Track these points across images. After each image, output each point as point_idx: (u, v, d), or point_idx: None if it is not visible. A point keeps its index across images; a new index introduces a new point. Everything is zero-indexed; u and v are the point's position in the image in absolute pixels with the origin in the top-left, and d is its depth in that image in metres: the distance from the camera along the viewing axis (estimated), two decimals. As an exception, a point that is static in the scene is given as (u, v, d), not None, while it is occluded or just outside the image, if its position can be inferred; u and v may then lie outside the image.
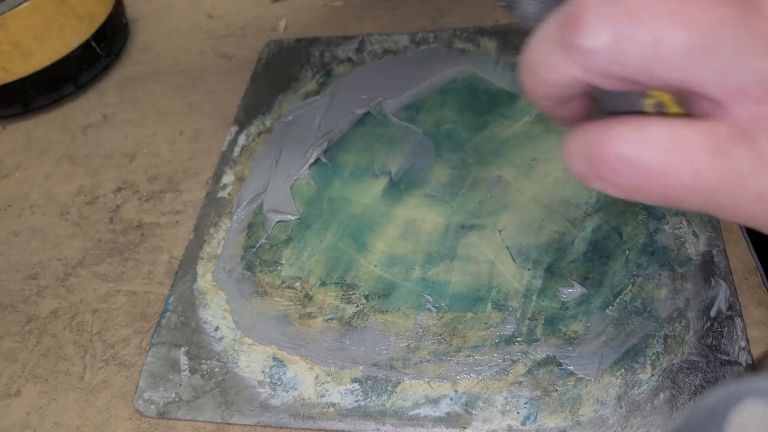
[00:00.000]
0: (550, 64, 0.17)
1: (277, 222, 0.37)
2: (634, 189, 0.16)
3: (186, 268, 0.36)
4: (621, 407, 0.28)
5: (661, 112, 0.17)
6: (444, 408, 0.29)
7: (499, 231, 0.34)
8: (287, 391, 0.31)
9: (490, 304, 0.32)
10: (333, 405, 0.30)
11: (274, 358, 0.32)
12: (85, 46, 0.47)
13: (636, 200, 0.17)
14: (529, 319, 0.31)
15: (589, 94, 0.19)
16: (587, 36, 0.16)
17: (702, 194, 0.16)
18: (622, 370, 0.29)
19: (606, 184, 0.17)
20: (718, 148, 0.15)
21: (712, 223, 0.33)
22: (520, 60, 0.18)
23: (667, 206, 0.17)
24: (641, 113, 0.17)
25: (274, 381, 0.31)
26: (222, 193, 0.40)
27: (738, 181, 0.15)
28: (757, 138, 0.15)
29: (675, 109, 0.17)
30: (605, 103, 0.19)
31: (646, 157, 0.16)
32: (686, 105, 0.17)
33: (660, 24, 0.15)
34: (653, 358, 0.29)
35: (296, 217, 0.37)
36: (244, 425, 0.30)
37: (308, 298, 0.34)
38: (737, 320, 0.30)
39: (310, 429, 0.30)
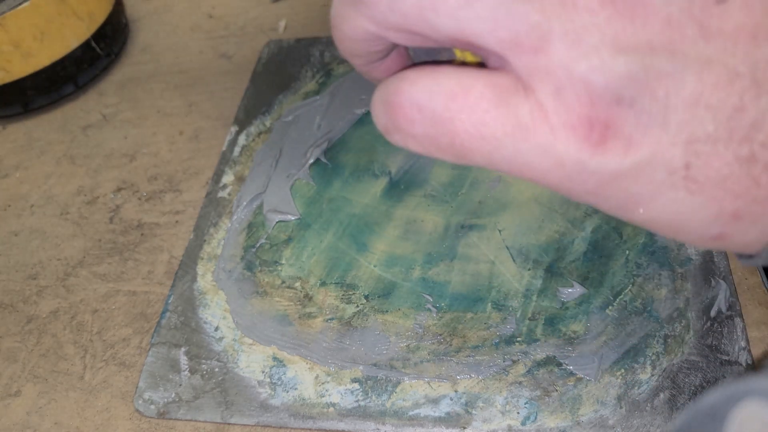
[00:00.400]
0: (345, 17, 0.17)
1: (277, 222, 0.37)
2: (426, 138, 0.17)
3: (186, 268, 0.36)
4: (621, 407, 0.28)
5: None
6: (444, 408, 0.29)
7: (499, 231, 0.34)
8: (287, 391, 0.31)
9: (490, 304, 0.32)
10: (333, 405, 0.30)
11: (274, 358, 0.32)
12: (85, 46, 0.47)
13: (432, 155, 0.17)
14: (529, 319, 0.31)
15: (402, 54, 0.20)
16: None
17: (486, 144, 0.16)
18: (622, 370, 0.29)
19: (403, 135, 0.17)
20: (500, 98, 0.15)
21: (712, 223, 0.33)
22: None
23: (460, 161, 0.17)
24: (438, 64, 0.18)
25: (274, 381, 0.31)
26: (222, 193, 0.40)
27: (520, 133, 0.16)
28: (537, 89, 0.15)
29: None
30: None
31: (434, 102, 0.16)
32: (485, 64, 0.17)
33: None
34: (653, 358, 0.29)
35: (296, 217, 0.37)
36: (244, 425, 0.30)
37: (308, 298, 0.34)
38: (737, 320, 0.30)
39: (310, 429, 0.30)
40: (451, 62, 0.18)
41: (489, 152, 0.16)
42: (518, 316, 0.31)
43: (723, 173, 0.15)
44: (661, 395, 0.28)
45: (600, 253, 0.33)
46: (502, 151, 0.16)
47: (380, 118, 0.18)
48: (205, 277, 0.36)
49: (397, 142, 0.18)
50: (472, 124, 0.16)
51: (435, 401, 0.29)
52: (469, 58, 0.18)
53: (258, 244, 0.36)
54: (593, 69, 0.15)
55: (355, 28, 0.17)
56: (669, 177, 0.16)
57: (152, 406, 0.31)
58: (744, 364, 0.28)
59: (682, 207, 0.16)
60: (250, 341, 0.33)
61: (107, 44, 0.49)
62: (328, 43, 0.48)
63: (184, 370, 0.32)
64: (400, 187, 0.37)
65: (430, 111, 0.16)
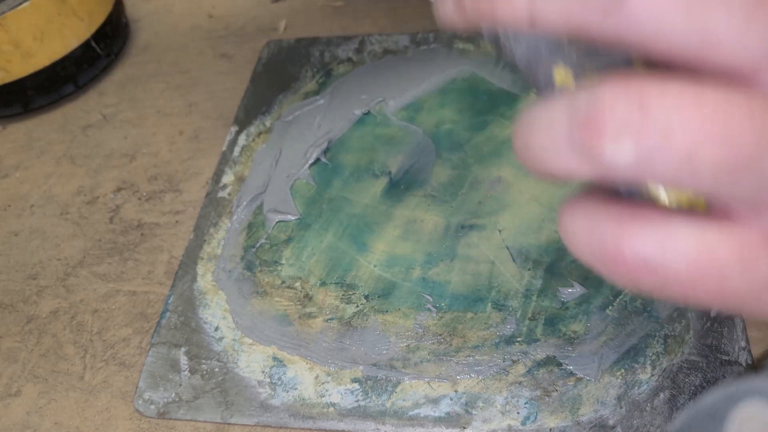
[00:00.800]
0: (558, 160, 0.15)
1: (277, 222, 0.37)
2: (653, 289, 0.15)
3: (186, 268, 0.36)
4: (621, 407, 0.28)
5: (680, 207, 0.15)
6: (444, 408, 0.29)
7: (499, 231, 0.34)
8: (287, 391, 0.31)
9: (490, 304, 0.32)
10: (333, 405, 0.30)
11: (274, 358, 0.32)
12: (85, 46, 0.47)
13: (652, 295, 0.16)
14: (529, 319, 0.31)
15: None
16: (609, 147, 0.13)
17: (728, 299, 0.14)
18: (622, 370, 0.29)
19: (620, 279, 0.15)
20: (748, 257, 0.14)
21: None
22: (517, 132, 0.16)
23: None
24: (660, 207, 0.15)
25: (274, 381, 0.31)
26: (222, 193, 0.40)
27: (766, 287, 0.14)
28: None
29: (695, 202, 0.15)
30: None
31: (671, 262, 0.14)
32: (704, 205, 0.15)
33: (694, 137, 0.13)
34: (653, 358, 0.29)
35: (296, 217, 0.37)
36: (244, 425, 0.30)
37: (308, 298, 0.34)
38: (737, 320, 0.30)
39: (310, 429, 0.30)
40: (661, 206, 0.15)
41: (731, 305, 0.15)
42: (518, 316, 0.31)
43: None
44: (661, 395, 0.28)
45: (600, 253, 0.33)
46: (746, 304, 0.15)
47: (586, 255, 0.15)
48: (205, 277, 0.36)
49: (610, 277, 0.16)
50: (716, 284, 0.14)
51: (435, 401, 0.29)
52: (684, 199, 0.15)
53: (258, 244, 0.36)
54: None
55: (569, 172, 0.15)
56: None
57: (152, 406, 0.31)
58: (744, 364, 0.28)
59: None
60: (250, 341, 0.33)
61: (107, 44, 0.49)
62: (328, 43, 0.48)
63: (184, 370, 0.32)
64: (400, 187, 0.37)
65: (663, 269, 0.14)
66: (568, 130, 0.14)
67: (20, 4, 0.43)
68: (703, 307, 0.15)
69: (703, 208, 0.15)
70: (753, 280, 0.14)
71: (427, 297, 0.33)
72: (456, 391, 0.30)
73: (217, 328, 0.34)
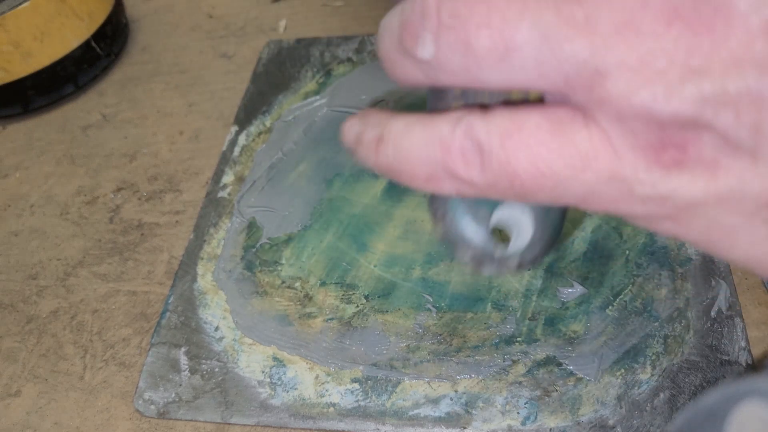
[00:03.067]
0: (396, 63, 0.17)
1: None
2: (483, 183, 0.16)
3: (186, 268, 0.36)
4: (621, 407, 0.28)
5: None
6: (444, 408, 0.29)
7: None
8: (287, 391, 0.31)
9: (490, 304, 0.32)
10: (333, 405, 0.30)
11: (274, 358, 0.32)
12: (85, 46, 0.47)
13: (490, 197, 0.17)
14: (529, 319, 0.31)
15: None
16: (421, 47, 0.16)
17: (547, 180, 0.15)
18: (622, 370, 0.29)
19: (457, 183, 0.16)
20: (556, 129, 0.15)
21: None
22: (377, 41, 0.19)
23: (524, 200, 0.17)
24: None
25: (274, 381, 0.31)
26: (222, 193, 0.40)
27: (581, 162, 0.15)
28: (597, 117, 0.14)
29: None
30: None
31: (490, 142, 0.15)
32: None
33: (467, 28, 0.15)
34: (653, 358, 0.29)
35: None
36: (244, 425, 0.30)
37: (308, 298, 0.34)
38: (737, 320, 0.30)
39: (310, 429, 0.30)
40: (511, 102, 0.17)
41: (551, 188, 0.15)
42: (518, 316, 0.31)
43: None
44: (661, 395, 0.28)
45: (600, 253, 0.33)
46: (565, 185, 0.15)
47: (424, 165, 0.17)
48: (205, 277, 0.36)
49: (448, 191, 0.17)
50: (530, 161, 0.15)
51: (435, 401, 0.29)
52: (533, 95, 0.17)
53: (258, 244, 0.36)
54: (658, 97, 0.13)
55: (406, 75, 0.17)
56: (759, 209, 0.14)
57: (152, 406, 0.31)
58: (744, 364, 0.28)
59: None
60: (250, 341, 0.33)
61: (107, 44, 0.49)
62: (328, 43, 0.48)
63: (184, 370, 0.32)
64: (400, 187, 0.37)
65: (485, 152, 0.15)
66: (397, 31, 0.17)
67: (20, 4, 0.43)
68: (540, 197, 0.16)
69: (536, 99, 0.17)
70: (567, 154, 0.15)
71: (427, 297, 0.33)
72: (456, 391, 0.30)
73: (217, 328, 0.34)
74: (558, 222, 0.21)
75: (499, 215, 0.20)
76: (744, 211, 0.14)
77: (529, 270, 0.32)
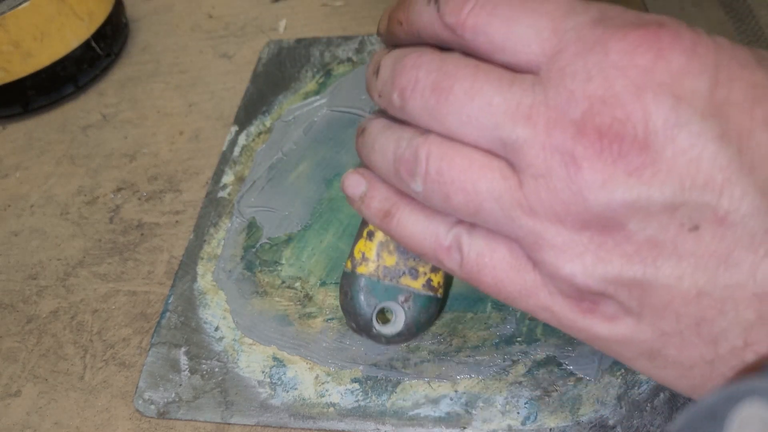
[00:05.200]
0: (389, 179, 0.23)
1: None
2: (462, 276, 0.23)
3: (186, 268, 0.36)
4: (621, 407, 0.28)
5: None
6: (444, 408, 0.29)
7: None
8: (287, 391, 0.31)
9: (490, 304, 0.32)
10: (333, 405, 0.30)
11: (274, 358, 0.32)
12: (85, 46, 0.47)
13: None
14: (529, 319, 0.31)
15: None
16: (412, 182, 0.21)
17: (503, 296, 0.22)
18: (622, 370, 0.29)
19: (443, 265, 0.23)
20: (516, 267, 0.21)
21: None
22: (364, 134, 0.25)
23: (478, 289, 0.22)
24: None
25: (274, 381, 0.31)
26: (222, 193, 0.40)
27: (527, 294, 0.21)
28: (540, 270, 0.20)
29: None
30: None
31: (467, 258, 0.22)
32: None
33: (448, 189, 0.21)
34: (653, 358, 0.29)
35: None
36: (244, 425, 0.30)
37: (308, 298, 0.34)
38: (737, 320, 0.30)
39: (310, 429, 0.30)
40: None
41: (504, 299, 0.21)
42: (518, 316, 0.31)
43: (689, 362, 0.19)
44: (661, 395, 0.28)
45: (600, 253, 0.33)
46: (515, 303, 0.21)
47: (418, 247, 0.23)
48: (205, 277, 0.36)
49: (430, 263, 0.25)
50: (493, 279, 0.21)
51: (435, 401, 0.29)
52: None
53: (258, 244, 0.36)
54: (576, 273, 0.19)
55: (396, 186, 0.23)
56: (642, 351, 0.19)
57: (152, 406, 0.31)
58: (744, 364, 0.28)
59: (658, 373, 0.20)
60: (250, 341, 0.33)
61: (107, 44, 0.49)
62: (328, 43, 0.48)
63: (184, 370, 0.32)
64: (400, 187, 0.37)
65: (464, 257, 0.21)
66: (394, 164, 0.22)
67: (20, 4, 0.43)
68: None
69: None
70: (517, 284, 0.21)
71: (427, 297, 0.33)
72: (456, 391, 0.30)
73: (217, 328, 0.34)
74: (426, 321, 0.29)
75: (384, 305, 0.28)
76: (631, 350, 0.20)
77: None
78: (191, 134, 0.44)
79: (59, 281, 0.38)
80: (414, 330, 0.29)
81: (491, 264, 0.21)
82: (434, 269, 0.28)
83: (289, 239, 0.36)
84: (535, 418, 0.28)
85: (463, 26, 0.19)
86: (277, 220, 0.37)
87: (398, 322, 0.28)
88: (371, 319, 0.28)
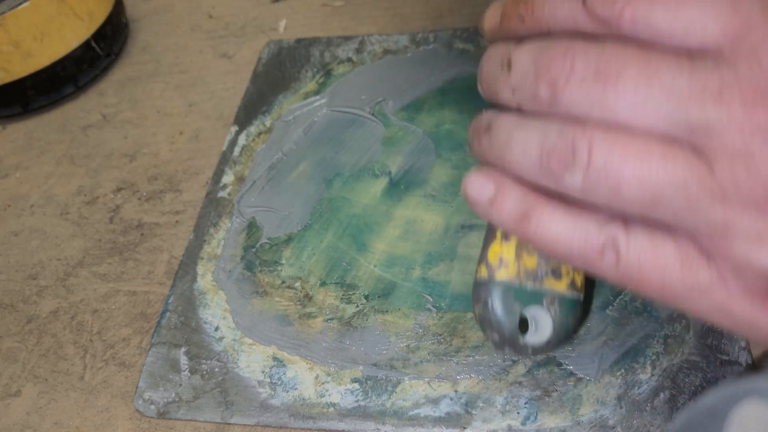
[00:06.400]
0: (530, 177, 0.21)
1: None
2: (617, 277, 0.20)
3: (186, 268, 0.36)
4: (621, 407, 0.28)
5: None
6: (444, 408, 0.29)
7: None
8: (287, 391, 0.31)
9: (490, 304, 0.32)
10: (333, 405, 0.30)
11: (274, 358, 0.32)
12: (85, 46, 0.47)
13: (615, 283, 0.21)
14: (529, 319, 0.31)
15: None
16: (569, 176, 0.19)
17: (667, 293, 0.19)
18: (622, 370, 0.29)
19: (598, 270, 0.21)
20: (684, 262, 0.18)
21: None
22: (490, 134, 0.23)
23: (639, 293, 0.21)
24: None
25: (274, 381, 0.31)
26: (222, 193, 0.40)
27: (698, 292, 0.19)
28: (719, 264, 0.18)
29: None
30: None
31: (627, 256, 0.19)
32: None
33: (621, 177, 0.18)
34: (653, 358, 0.29)
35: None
36: (244, 425, 0.30)
37: (308, 298, 0.34)
38: (737, 320, 0.30)
39: (310, 429, 0.30)
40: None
41: (667, 299, 0.19)
42: (518, 316, 0.31)
43: None
44: (661, 395, 0.28)
45: (600, 253, 0.33)
46: (681, 301, 0.19)
47: (563, 249, 0.21)
48: (205, 277, 0.36)
49: (576, 266, 0.22)
50: (658, 279, 0.19)
51: (435, 401, 0.29)
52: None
53: (258, 244, 0.36)
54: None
55: (538, 184, 0.21)
56: None
57: (152, 406, 0.31)
58: (744, 364, 0.28)
59: None
60: (250, 341, 0.33)
61: (107, 44, 0.49)
62: (328, 43, 0.48)
63: (184, 370, 0.32)
64: (400, 187, 0.37)
65: (621, 258, 0.19)
66: (542, 159, 0.20)
67: (20, 4, 0.43)
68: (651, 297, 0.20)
69: None
70: (688, 281, 0.19)
71: (427, 297, 0.33)
72: (456, 391, 0.30)
73: (217, 328, 0.34)
74: (574, 326, 0.26)
75: (530, 312, 0.25)
76: None
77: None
78: (191, 134, 0.44)
79: (59, 281, 0.38)
80: (562, 336, 0.26)
81: (657, 262, 0.19)
82: (576, 268, 0.25)
83: (289, 239, 0.36)
84: (535, 418, 0.28)
85: (620, 18, 0.18)
86: (277, 220, 0.37)
87: (545, 328, 0.25)
88: (517, 329, 0.25)
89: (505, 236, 0.25)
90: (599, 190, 0.19)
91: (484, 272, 0.26)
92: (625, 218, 0.20)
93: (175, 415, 0.31)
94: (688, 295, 0.19)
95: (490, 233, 0.26)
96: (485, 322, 0.26)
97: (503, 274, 0.25)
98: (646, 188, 0.18)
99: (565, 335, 0.26)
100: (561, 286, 0.25)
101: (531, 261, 0.25)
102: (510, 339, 0.25)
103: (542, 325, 0.25)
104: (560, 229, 0.20)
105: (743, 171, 0.17)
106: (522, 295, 0.25)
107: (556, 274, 0.25)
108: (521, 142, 0.20)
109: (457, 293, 0.32)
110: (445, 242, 0.34)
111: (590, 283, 0.30)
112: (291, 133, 0.42)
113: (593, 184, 0.19)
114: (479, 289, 0.26)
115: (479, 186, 0.23)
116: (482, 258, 0.26)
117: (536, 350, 0.26)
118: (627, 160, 0.18)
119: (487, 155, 0.23)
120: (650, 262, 0.19)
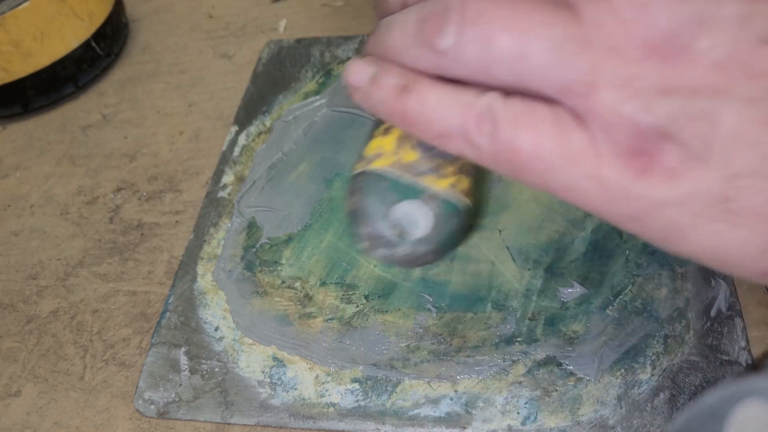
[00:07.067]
0: (408, 54, 0.20)
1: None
2: (488, 152, 0.19)
3: (186, 268, 0.36)
4: (621, 407, 0.28)
5: None
6: (444, 408, 0.29)
7: (499, 231, 0.34)
8: (287, 391, 0.31)
9: (490, 304, 0.32)
10: (333, 405, 0.30)
11: (274, 358, 0.32)
12: (85, 46, 0.47)
13: (487, 167, 0.19)
14: (529, 319, 0.31)
15: None
16: (442, 38, 0.18)
17: (541, 164, 0.18)
18: (622, 370, 0.29)
19: (466, 144, 0.19)
20: (559, 125, 0.17)
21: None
22: (374, 34, 0.22)
23: (513, 177, 0.19)
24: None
25: (274, 381, 0.31)
26: (222, 193, 0.40)
27: (571, 158, 0.17)
28: (589, 124, 0.17)
29: None
30: None
31: (502, 119, 0.18)
32: None
33: (491, 29, 0.17)
34: (653, 358, 0.29)
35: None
36: (244, 425, 0.30)
37: (308, 298, 0.34)
38: (737, 320, 0.30)
39: (310, 429, 0.30)
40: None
41: (542, 172, 0.18)
42: (518, 316, 0.31)
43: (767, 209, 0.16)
44: (661, 395, 0.28)
45: (600, 253, 0.33)
46: (554, 173, 0.18)
47: (442, 121, 0.19)
48: (205, 277, 0.36)
49: (453, 150, 0.20)
50: (532, 144, 0.18)
51: (435, 401, 0.29)
52: None
53: (258, 244, 0.36)
54: (637, 110, 0.16)
55: (415, 65, 0.20)
56: (709, 208, 0.16)
57: (152, 406, 0.31)
58: (744, 364, 0.28)
59: (725, 239, 0.17)
60: (250, 341, 0.33)
61: (107, 44, 0.49)
62: (328, 43, 0.48)
63: (184, 370, 0.32)
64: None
65: (498, 124, 0.18)
66: (418, 26, 0.19)
67: (20, 4, 0.43)
68: (526, 178, 0.19)
69: None
70: (562, 147, 0.18)
71: (427, 297, 0.33)
72: (456, 391, 0.30)
73: (217, 328, 0.34)
74: (455, 232, 0.23)
75: (404, 207, 0.22)
76: (695, 211, 0.17)
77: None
78: (191, 134, 0.44)
79: (59, 281, 0.38)
80: (443, 236, 0.23)
81: (530, 125, 0.18)
82: (461, 171, 0.23)
83: (289, 239, 0.36)
84: (535, 418, 0.28)
85: None
86: (277, 220, 0.37)
87: (423, 223, 0.22)
88: (389, 222, 0.22)
89: (386, 131, 0.23)
90: (471, 46, 0.18)
91: (359, 166, 0.23)
92: (504, 91, 0.19)
93: (175, 415, 0.31)
94: (560, 163, 0.18)
95: (370, 135, 0.24)
96: (355, 216, 0.23)
97: (378, 163, 0.23)
98: (515, 39, 0.17)
99: (447, 240, 0.23)
100: (442, 185, 0.22)
101: (411, 155, 0.23)
102: (381, 234, 0.22)
103: (419, 220, 0.22)
104: (440, 100, 0.19)
105: (606, 13, 0.16)
106: (397, 186, 0.22)
107: (438, 173, 0.22)
108: (400, 22, 0.20)
109: (457, 293, 0.32)
110: (445, 242, 0.34)
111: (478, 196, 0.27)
112: (291, 133, 0.42)
113: (466, 40, 0.18)
114: (352, 181, 0.23)
115: (360, 68, 0.22)
116: (360, 155, 0.24)
117: (414, 248, 0.22)
118: (496, 8, 0.18)
119: (370, 50, 0.22)
120: (524, 126, 0.18)
